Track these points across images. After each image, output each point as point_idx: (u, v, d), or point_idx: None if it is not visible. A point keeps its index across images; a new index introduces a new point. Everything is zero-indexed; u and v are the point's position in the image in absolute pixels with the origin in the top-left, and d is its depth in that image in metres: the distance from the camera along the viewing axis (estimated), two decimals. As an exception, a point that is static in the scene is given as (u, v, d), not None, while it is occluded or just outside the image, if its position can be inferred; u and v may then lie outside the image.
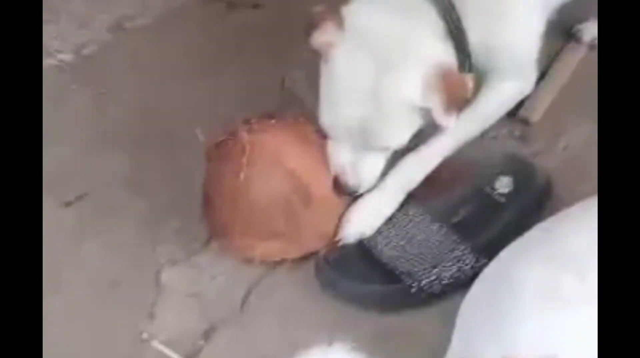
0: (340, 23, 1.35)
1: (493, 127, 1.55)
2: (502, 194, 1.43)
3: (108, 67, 1.79)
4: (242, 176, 1.38)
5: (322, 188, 1.41)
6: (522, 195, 1.43)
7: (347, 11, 1.37)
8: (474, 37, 1.39)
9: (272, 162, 1.40)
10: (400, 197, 1.44)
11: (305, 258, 1.43)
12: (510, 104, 1.52)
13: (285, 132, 1.42)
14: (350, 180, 1.41)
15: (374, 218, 1.43)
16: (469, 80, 1.36)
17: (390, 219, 1.42)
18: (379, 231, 1.41)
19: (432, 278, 1.35)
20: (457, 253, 1.37)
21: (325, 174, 1.42)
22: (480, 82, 1.46)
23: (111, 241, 1.48)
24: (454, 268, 1.36)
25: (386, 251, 1.39)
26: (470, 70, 1.41)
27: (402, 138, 1.39)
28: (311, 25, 1.35)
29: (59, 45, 1.83)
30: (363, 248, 1.40)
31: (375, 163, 1.41)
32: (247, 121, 1.44)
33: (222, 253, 1.44)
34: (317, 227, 1.42)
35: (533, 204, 1.43)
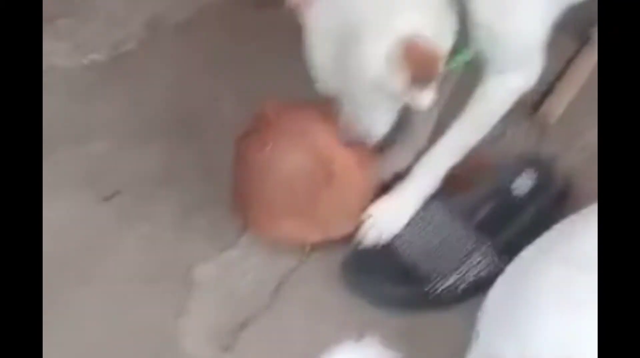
0: None
1: (511, 127, 1.58)
2: (521, 194, 1.46)
3: (142, 65, 1.83)
4: (267, 149, 1.40)
5: (345, 166, 1.42)
6: (541, 195, 1.45)
7: None
8: (478, 19, 1.31)
9: (297, 136, 1.41)
10: (420, 201, 1.44)
11: (330, 245, 1.46)
12: (514, 96, 1.43)
13: (310, 111, 1.43)
14: (358, 130, 1.37)
15: (394, 222, 1.44)
16: (439, 52, 1.25)
17: (412, 219, 1.44)
18: (401, 232, 1.43)
19: (456, 278, 1.38)
20: (480, 253, 1.39)
21: (348, 153, 1.41)
22: (478, 69, 1.40)
23: (146, 236, 1.52)
24: (477, 268, 1.38)
25: (409, 252, 1.41)
26: (464, 46, 1.33)
27: (382, 115, 1.35)
28: None
29: (95, 43, 1.87)
30: (386, 248, 1.43)
31: (379, 116, 1.36)
32: (272, 102, 1.46)
33: (252, 247, 1.49)
34: (338, 206, 1.43)
35: (552, 204, 1.45)
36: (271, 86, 1.71)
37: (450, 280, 1.38)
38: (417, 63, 1.21)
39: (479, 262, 1.39)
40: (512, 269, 1.27)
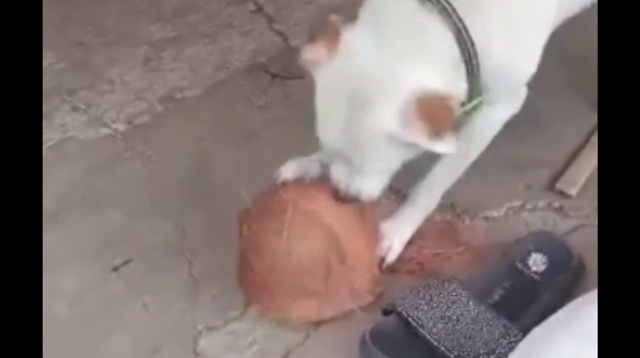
0: (333, 43, 1.30)
1: (530, 201, 1.57)
2: (537, 273, 1.45)
3: (158, 137, 1.85)
4: (284, 234, 1.41)
5: (357, 245, 1.44)
6: (559, 274, 1.44)
7: (346, 30, 1.31)
8: (488, 53, 1.33)
9: (312, 220, 1.42)
10: (420, 221, 1.50)
11: (341, 318, 1.45)
12: (501, 125, 1.45)
13: (321, 191, 1.45)
14: (349, 190, 1.40)
15: (404, 230, 1.49)
16: (451, 100, 1.28)
17: (432, 298, 1.41)
18: (423, 310, 1.40)
19: None
20: (508, 338, 1.36)
21: (359, 231, 1.44)
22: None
23: (153, 306, 1.52)
24: (505, 353, 1.33)
25: (434, 332, 1.38)
26: (478, 94, 1.36)
27: (386, 168, 1.37)
28: (312, 35, 1.33)
29: (114, 115, 1.90)
30: (408, 328, 1.39)
31: (371, 181, 1.39)
32: (284, 182, 1.48)
33: (259, 319, 1.48)
34: (351, 283, 1.44)
35: (570, 283, 1.44)
36: (286, 155, 1.73)
37: None
38: (431, 114, 1.24)
39: (507, 345, 1.35)
40: (523, 345, 1.25)
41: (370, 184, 1.40)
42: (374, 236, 1.48)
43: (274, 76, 1.93)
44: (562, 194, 1.61)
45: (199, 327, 1.48)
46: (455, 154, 1.38)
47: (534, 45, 1.38)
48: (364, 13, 1.34)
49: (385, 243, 1.48)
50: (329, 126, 1.33)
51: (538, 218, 1.58)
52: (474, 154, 1.48)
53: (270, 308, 1.46)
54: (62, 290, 1.56)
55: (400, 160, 1.35)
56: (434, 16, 1.29)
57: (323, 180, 1.45)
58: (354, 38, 1.31)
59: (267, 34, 2.06)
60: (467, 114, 1.38)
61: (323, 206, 1.43)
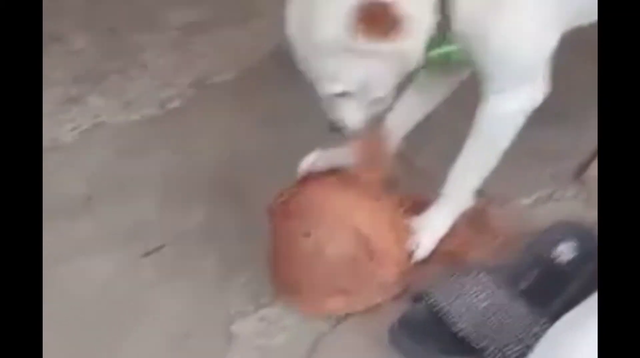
0: None
1: (558, 190, 1.58)
2: (565, 262, 1.45)
3: (188, 122, 1.87)
4: (312, 236, 1.44)
5: (385, 241, 1.45)
6: (587, 263, 1.44)
7: None
8: (463, 26, 1.32)
9: (340, 220, 1.44)
10: (454, 217, 1.49)
11: (369, 311, 1.47)
12: (520, 117, 1.40)
13: (348, 188, 1.46)
14: (334, 119, 1.41)
15: (434, 234, 1.48)
16: (396, 8, 1.29)
17: (461, 287, 1.42)
18: (452, 299, 1.41)
19: (515, 351, 1.35)
20: (537, 328, 1.36)
21: (386, 227, 1.46)
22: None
23: (185, 292, 1.54)
24: (534, 342, 1.33)
25: (463, 322, 1.39)
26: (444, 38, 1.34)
27: (344, 80, 1.36)
28: None
29: (143, 101, 1.92)
30: (438, 318, 1.40)
31: (348, 107, 1.40)
32: (311, 177, 1.50)
33: (289, 306, 1.50)
34: (380, 278, 1.46)
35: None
36: (316, 141, 1.74)
37: (509, 354, 1.35)
38: (372, 17, 1.27)
39: (535, 334, 1.35)
40: (551, 334, 1.26)
41: (350, 110, 1.39)
42: (404, 232, 1.49)
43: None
44: (589, 185, 1.61)
45: (231, 313, 1.50)
46: (474, 149, 1.40)
47: (528, 16, 1.33)
48: None
49: (415, 240, 1.48)
50: (296, 43, 1.35)
51: (566, 207, 1.59)
52: (500, 144, 1.43)
53: (300, 305, 1.49)
54: (93, 275, 1.58)
55: (362, 75, 1.34)
56: None
57: (350, 171, 1.47)
58: None
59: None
60: (441, 59, 1.37)
61: (350, 204, 1.45)
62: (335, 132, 1.43)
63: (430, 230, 1.49)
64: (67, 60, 2.03)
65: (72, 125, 1.88)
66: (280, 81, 1.91)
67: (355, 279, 1.45)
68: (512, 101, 1.38)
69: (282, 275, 1.49)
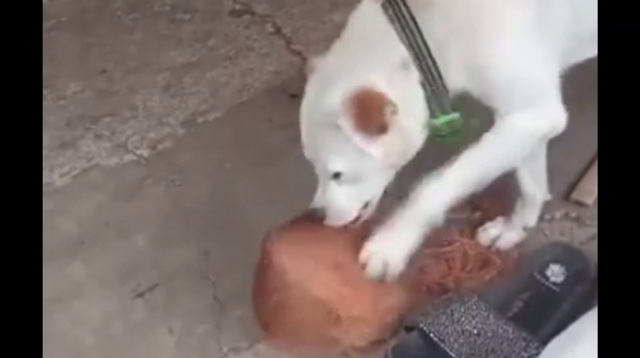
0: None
1: (548, 210, 1.58)
2: (555, 284, 1.45)
3: (182, 160, 1.88)
4: (275, 298, 1.45)
5: (350, 310, 1.44)
6: (577, 284, 1.44)
7: (317, 61, 1.46)
8: (458, 60, 1.36)
9: (302, 291, 1.44)
10: (419, 230, 1.41)
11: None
12: (531, 138, 1.42)
13: (318, 254, 1.47)
14: (320, 205, 1.45)
15: (396, 253, 1.42)
16: (387, 103, 1.35)
17: (452, 313, 1.42)
18: (444, 326, 1.41)
19: None
20: (528, 352, 1.36)
21: (353, 296, 1.44)
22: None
23: (178, 330, 1.54)
24: None
25: (455, 347, 1.38)
26: (441, 109, 1.40)
27: (338, 160, 1.41)
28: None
29: (137, 141, 1.94)
30: (432, 344, 1.40)
31: (340, 193, 1.44)
32: (283, 231, 1.49)
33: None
34: (348, 342, 1.45)
35: (588, 292, 1.43)
36: (306, 174, 1.74)
37: None
38: (361, 107, 1.34)
39: None
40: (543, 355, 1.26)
41: (338, 196, 1.44)
42: (374, 288, 1.45)
43: (293, 95, 1.95)
44: (579, 203, 1.61)
45: (225, 349, 1.50)
46: (468, 162, 1.39)
47: (516, 44, 1.36)
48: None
49: (370, 271, 1.44)
50: (304, 129, 1.45)
51: (556, 228, 1.59)
52: (491, 167, 1.41)
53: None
54: (87, 319, 1.58)
55: (355, 163, 1.40)
56: (385, 18, 1.37)
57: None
58: (326, 59, 1.45)
59: (285, 55, 2.09)
60: (443, 128, 1.41)
61: (315, 274, 1.45)
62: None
63: (395, 246, 1.43)
64: (60, 104, 2.05)
65: (65, 169, 1.89)
66: (271, 116, 1.93)
67: (322, 339, 1.45)
68: (520, 121, 1.39)
69: (258, 317, 1.50)
